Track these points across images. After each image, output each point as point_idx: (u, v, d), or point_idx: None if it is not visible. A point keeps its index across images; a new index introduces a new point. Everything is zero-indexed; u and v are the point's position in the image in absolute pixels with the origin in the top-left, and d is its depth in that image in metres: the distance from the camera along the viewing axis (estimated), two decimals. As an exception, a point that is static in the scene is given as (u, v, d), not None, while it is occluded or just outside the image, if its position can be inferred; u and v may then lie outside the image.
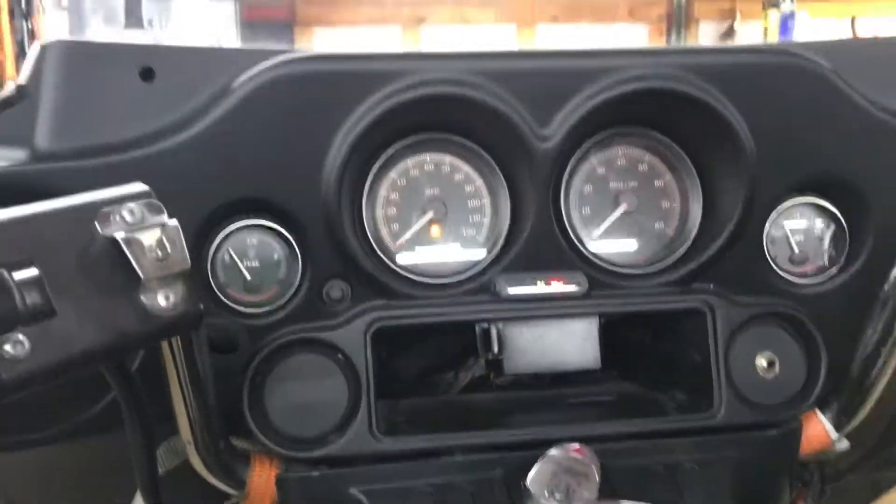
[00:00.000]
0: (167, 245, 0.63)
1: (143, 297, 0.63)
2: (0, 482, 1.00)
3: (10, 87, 0.80)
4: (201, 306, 0.67)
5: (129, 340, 0.63)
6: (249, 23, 5.61)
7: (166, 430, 0.89)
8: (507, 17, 5.89)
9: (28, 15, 3.88)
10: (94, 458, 0.93)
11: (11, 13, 3.78)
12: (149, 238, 0.63)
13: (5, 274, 0.57)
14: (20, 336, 0.56)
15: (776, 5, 4.77)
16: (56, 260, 0.60)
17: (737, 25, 5.75)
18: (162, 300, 0.64)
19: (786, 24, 5.18)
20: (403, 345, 1.08)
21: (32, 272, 0.58)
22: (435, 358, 1.12)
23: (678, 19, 5.90)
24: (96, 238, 0.62)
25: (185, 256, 0.64)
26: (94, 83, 0.82)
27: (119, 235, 0.61)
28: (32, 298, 0.58)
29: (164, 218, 0.64)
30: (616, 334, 1.05)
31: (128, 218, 0.63)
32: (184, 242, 0.64)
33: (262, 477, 0.87)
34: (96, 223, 0.62)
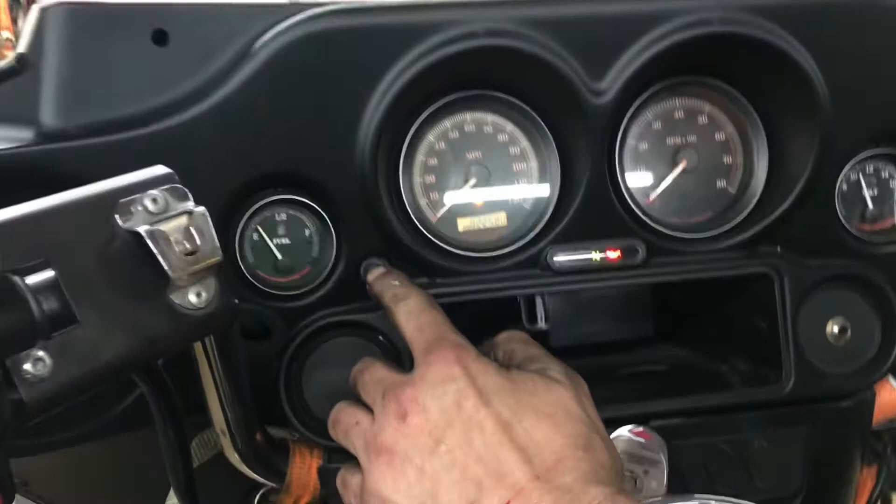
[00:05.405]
0: (195, 236, 0.56)
1: (172, 296, 0.57)
2: (31, 481, 0.95)
3: (9, 58, 0.72)
4: (236, 301, 0.60)
5: (159, 345, 0.56)
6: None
7: (199, 423, 0.83)
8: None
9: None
10: (126, 455, 0.88)
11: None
12: (175, 229, 0.55)
13: (18, 281, 0.50)
14: (40, 352, 0.50)
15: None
16: (74, 260, 0.53)
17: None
18: (193, 297, 0.57)
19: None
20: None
21: (48, 274, 0.51)
22: (473, 335, 1.06)
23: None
24: (117, 233, 0.55)
25: (216, 247, 0.57)
26: (102, 50, 0.73)
27: (142, 229, 0.54)
28: (50, 304, 0.51)
29: (190, 204, 0.57)
30: (668, 297, 0.99)
31: (150, 207, 0.56)
32: (213, 231, 0.56)
33: (303, 469, 0.82)
34: (116, 216, 0.55)
